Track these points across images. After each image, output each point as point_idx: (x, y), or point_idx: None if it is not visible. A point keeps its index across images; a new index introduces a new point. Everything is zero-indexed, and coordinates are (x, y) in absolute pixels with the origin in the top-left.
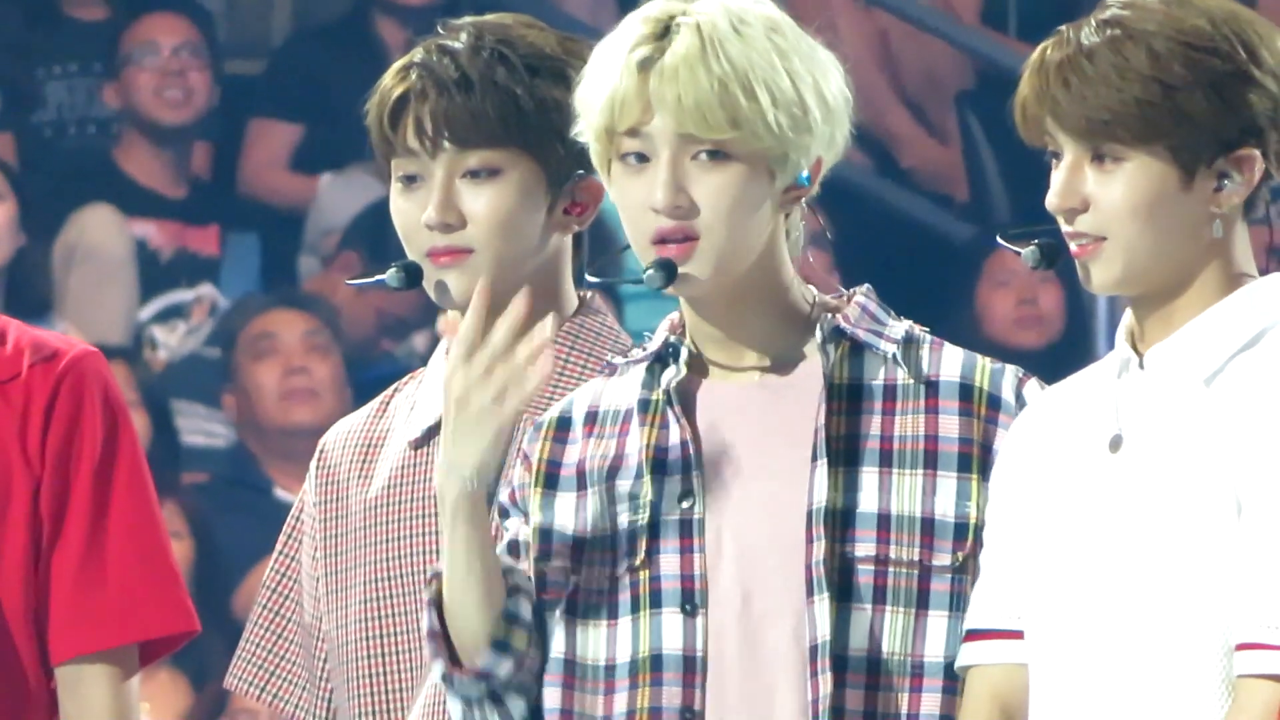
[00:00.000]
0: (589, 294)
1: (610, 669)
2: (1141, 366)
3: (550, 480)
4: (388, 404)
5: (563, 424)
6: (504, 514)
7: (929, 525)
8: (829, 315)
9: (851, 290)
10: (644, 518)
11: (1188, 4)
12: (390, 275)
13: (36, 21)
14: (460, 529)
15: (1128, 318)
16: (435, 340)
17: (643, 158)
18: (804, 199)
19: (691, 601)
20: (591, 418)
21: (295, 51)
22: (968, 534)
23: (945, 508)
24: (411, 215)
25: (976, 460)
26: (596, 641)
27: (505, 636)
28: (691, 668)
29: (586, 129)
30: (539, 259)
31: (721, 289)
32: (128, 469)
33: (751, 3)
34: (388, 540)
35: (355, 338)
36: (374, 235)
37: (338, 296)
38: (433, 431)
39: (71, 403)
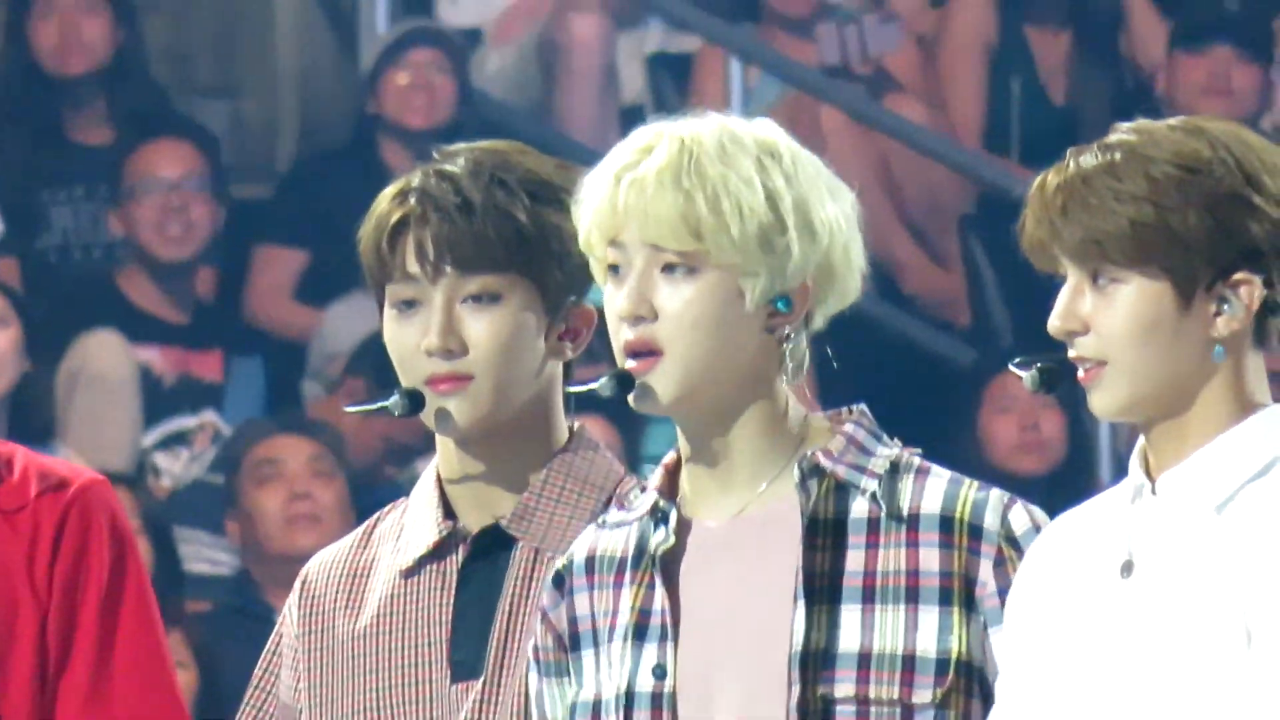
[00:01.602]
0: (579, 425)
1: None
2: (1154, 493)
3: (574, 640)
4: (370, 533)
5: (567, 572)
6: (538, 671)
7: (910, 662)
8: (809, 453)
9: (845, 410)
10: (622, 686)
11: (1196, 130)
12: (393, 403)
13: (42, 146)
14: None
15: (1140, 443)
16: None
17: (622, 269)
18: (790, 325)
19: None
20: (591, 564)
21: (301, 176)
22: (949, 669)
23: (927, 644)
24: (409, 341)
25: (959, 593)
26: None
27: None
28: None
29: (581, 242)
30: (535, 386)
31: (694, 409)
32: (135, 600)
33: (756, 126)
34: (379, 670)
35: (360, 463)
36: (379, 361)
37: (342, 422)
38: (424, 561)
39: (79, 532)
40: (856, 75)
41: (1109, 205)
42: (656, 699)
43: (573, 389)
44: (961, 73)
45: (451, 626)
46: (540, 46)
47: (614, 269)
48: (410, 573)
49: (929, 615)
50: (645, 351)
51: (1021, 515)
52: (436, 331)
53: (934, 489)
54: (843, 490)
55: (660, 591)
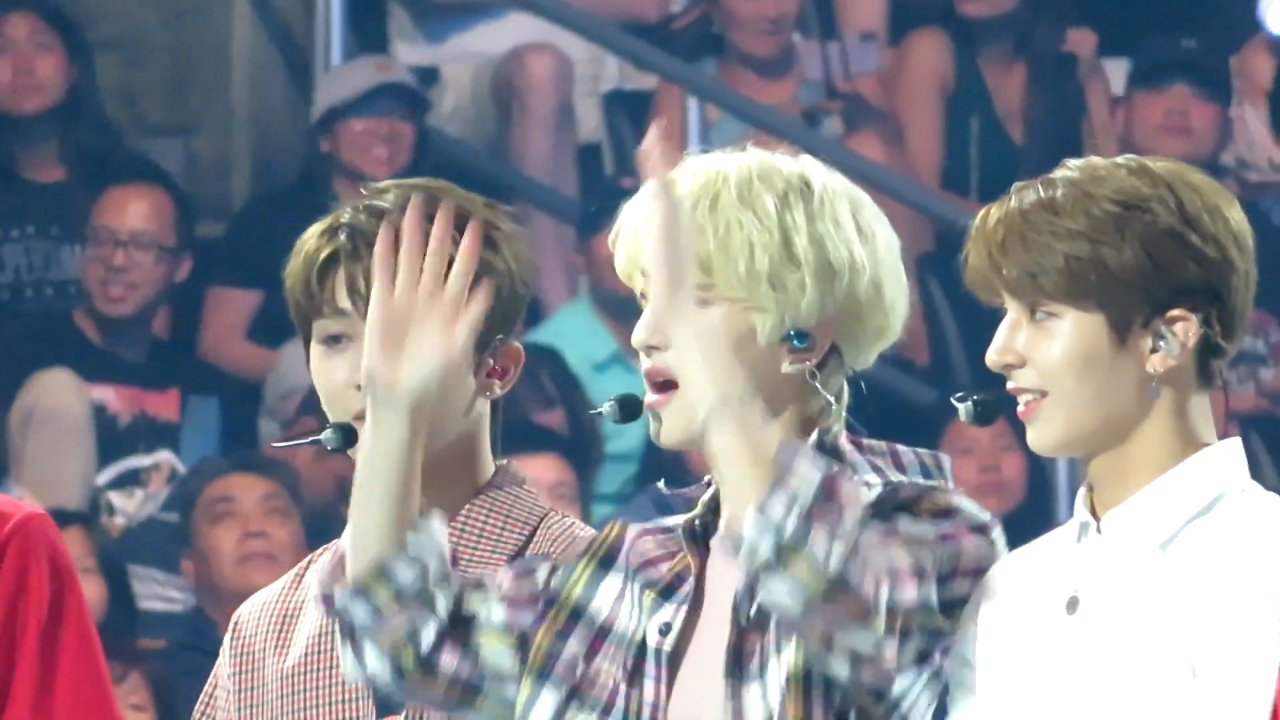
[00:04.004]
0: (505, 461)
1: None
2: (1099, 531)
3: (605, 561)
4: (303, 576)
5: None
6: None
7: None
8: (835, 429)
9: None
10: (638, 636)
11: (1140, 169)
12: (326, 436)
13: None
14: (385, 429)
15: (1085, 482)
16: None
17: (646, 298)
18: (811, 363)
19: None
20: (658, 530)
21: (252, 216)
22: None
23: None
24: (338, 377)
25: None
26: None
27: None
28: None
29: (619, 271)
30: (464, 423)
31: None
32: (75, 634)
33: (795, 162)
34: (306, 708)
35: (315, 502)
36: None
37: (297, 460)
38: None
39: (17, 567)
40: (838, 93)
41: (1046, 241)
42: (658, 655)
43: (595, 411)
44: (919, 111)
45: None
46: (496, 84)
47: (642, 297)
48: None
49: None
50: (661, 381)
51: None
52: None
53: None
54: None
55: (695, 563)
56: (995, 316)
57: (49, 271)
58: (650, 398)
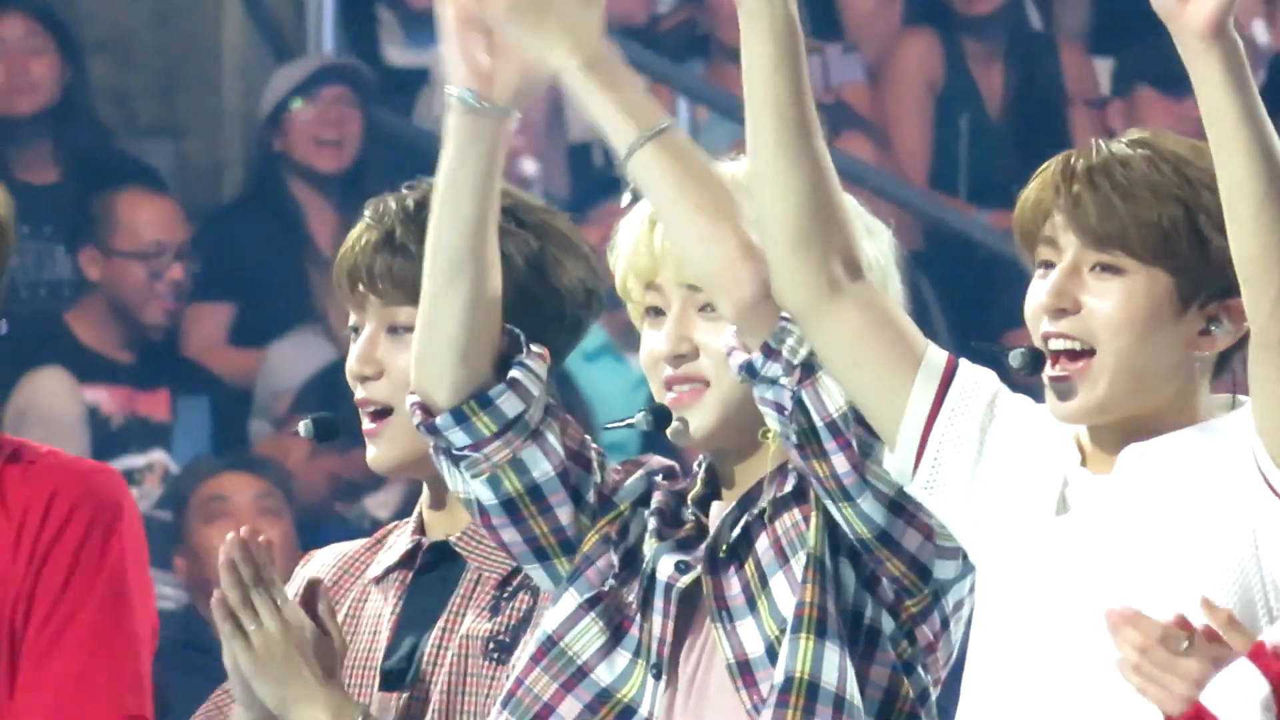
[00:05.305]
0: None
1: (582, 673)
2: (1084, 464)
3: (644, 498)
4: (383, 540)
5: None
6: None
7: None
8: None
9: None
10: (647, 569)
11: (1205, 150)
12: (302, 426)
13: None
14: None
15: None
16: (397, 503)
17: (660, 311)
18: None
19: (658, 666)
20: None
21: (216, 223)
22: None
23: None
24: (348, 364)
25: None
26: (589, 643)
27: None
28: None
29: (618, 287)
30: None
31: (728, 440)
32: (105, 591)
33: None
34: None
35: (307, 501)
36: (327, 397)
37: (289, 459)
38: (391, 570)
39: (62, 513)
40: (822, 105)
41: (1146, 195)
42: (668, 588)
43: (610, 426)
44: (908, 110)
45: (392, 634)
46: None
47: (653, 310)
48: (379, 581)
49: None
50: (688, 385)
51: None
52: (353, 355)
53: None
54: None
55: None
56: (986, 316)
57: (42, 272)
58: (673, 397)
